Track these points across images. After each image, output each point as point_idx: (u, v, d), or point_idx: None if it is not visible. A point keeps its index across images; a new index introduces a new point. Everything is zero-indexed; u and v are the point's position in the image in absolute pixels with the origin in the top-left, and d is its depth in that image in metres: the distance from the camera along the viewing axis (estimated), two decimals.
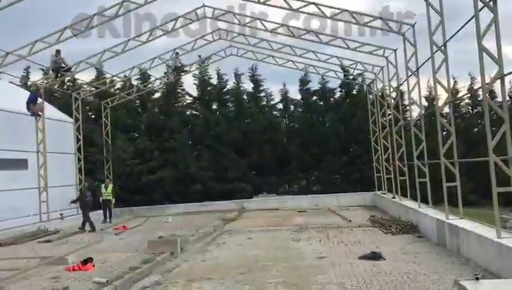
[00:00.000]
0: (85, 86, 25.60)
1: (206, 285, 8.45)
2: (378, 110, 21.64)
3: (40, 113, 19.75)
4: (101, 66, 24.15)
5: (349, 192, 24.52)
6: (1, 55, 17.12)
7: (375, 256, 9.77)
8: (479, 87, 9.71)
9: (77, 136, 23.36)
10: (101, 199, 21.37)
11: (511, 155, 7.75)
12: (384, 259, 9.62)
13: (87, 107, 28.28)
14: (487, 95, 9.26)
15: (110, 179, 23.56)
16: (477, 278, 5.53)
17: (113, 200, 21.66)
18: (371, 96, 23.64)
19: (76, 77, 25.35)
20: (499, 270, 7.59)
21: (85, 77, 36.11)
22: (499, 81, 8.24)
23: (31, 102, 19.23)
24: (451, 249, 10.12)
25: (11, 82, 28.24)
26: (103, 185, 21.77)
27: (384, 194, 21.03)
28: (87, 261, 10.47)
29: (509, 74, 7.95)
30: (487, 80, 8.76)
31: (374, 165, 22.73)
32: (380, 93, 21.73)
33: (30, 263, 11.21)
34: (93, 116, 28.84)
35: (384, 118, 20.83)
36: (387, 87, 19.74)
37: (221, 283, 8.51)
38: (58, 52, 19.14)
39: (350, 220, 16.73)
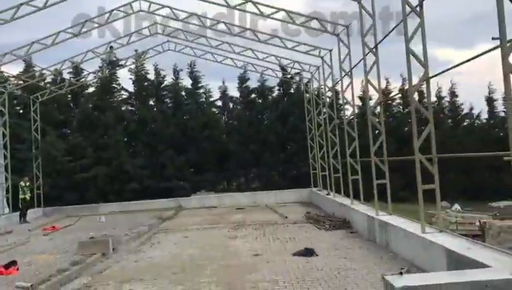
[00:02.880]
0: (12, 79, 24.19)
1: (137, 286, 8.22)
2: (314, 109, 22.08)
3: None
4: (29, 58, 22.94)
5: (287, 189, 24.86)
6: None
7: (308, 252, 9.94)
8: (408, 89, 10.10)
9: (3, 132, 22.05)
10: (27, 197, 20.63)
11: (434, 154, 8.13)
12: (317, 255, 9.82)
13: (15, 102, 26.76)
14: (415, 96, 9.67)
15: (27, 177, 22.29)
16: (401, 273, 5.75)
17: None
18: (307, 95, 24.08)
19: (2, 69, 23.91)
20: (423, 264, 7.95)
21: (12, 69, 34.16)
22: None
23: None
24: (381, 244, 10.49)
25: None
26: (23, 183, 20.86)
27: (320, 191, 21.51)
28: (10, 264, 9.89)
29: (433, 76, 8.34)
30: (415, 82, 9.15)
31: (310, 163, 23.20)
32: (316, 93, 22.18)
33: None
34: (21, 111, 27.33)
35: (320, 117, 21.29)
36: (323, 87, 20.18)
37: (153, 284, 8.32)
38: None
39: (286, 217, 16.96)
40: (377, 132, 13.63)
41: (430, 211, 12.72)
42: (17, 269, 9.81)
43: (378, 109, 13.90)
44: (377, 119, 14.38)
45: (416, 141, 8.63)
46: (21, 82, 24.47)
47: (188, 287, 7.97)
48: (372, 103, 13.05)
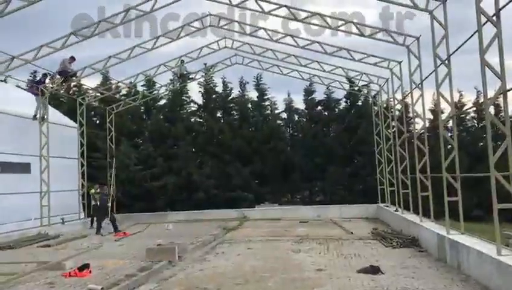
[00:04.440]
0: (90, 92, 25.72)
1: None
2: (383, 122, 21.55)
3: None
4: (106, 72, 24.28)
5: (353, 203, 24.33)
6: (7, 59, 17.24)
7: (373, 270, 9.64)
8: (483, 102, 9.60)
9: (81, 141, 23.43)
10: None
11: (511, 171, 7.64)
12: (383, 273, 9.50)
13: (92, 113, 28.41)
14: (491, 109, 9.17)
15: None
16: None
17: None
18: (375, 108, 23.55)
19: (82, 82, 25.52)
20: (498, 289, 7.46)
21: (91, 82, 36.38)
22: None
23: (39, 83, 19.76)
24: (452, 264, 9.98)
25: (18, 86, 28.43)
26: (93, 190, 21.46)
27: (387, 206, 20.86)
28: (83, 267, 10.42)
29: (511, 89, 7.86)
30: (491, 95, 8.68)
31: (378, 177, 22.60)
32: (384, 105, 21.66)
33: (27, 267, 11.16)
34: (97, 122, 28.95)
35: (388, 130, 20.74)
36: (391, 99, 19.68)
37: None
38: (72, 58, 19.31)
39: (351, 232, 16.59)
40: (449, 146, 13.07)
41: (507, 232, 11.97)
42: (90, 272, 10.31)
43: (451, 122, 13.32)
44: (449, 134, 13.81)
45: (491, 157, 8.17)
46: (98, 94, 25.94)
47: None
48: (444, 116, 12.53)
